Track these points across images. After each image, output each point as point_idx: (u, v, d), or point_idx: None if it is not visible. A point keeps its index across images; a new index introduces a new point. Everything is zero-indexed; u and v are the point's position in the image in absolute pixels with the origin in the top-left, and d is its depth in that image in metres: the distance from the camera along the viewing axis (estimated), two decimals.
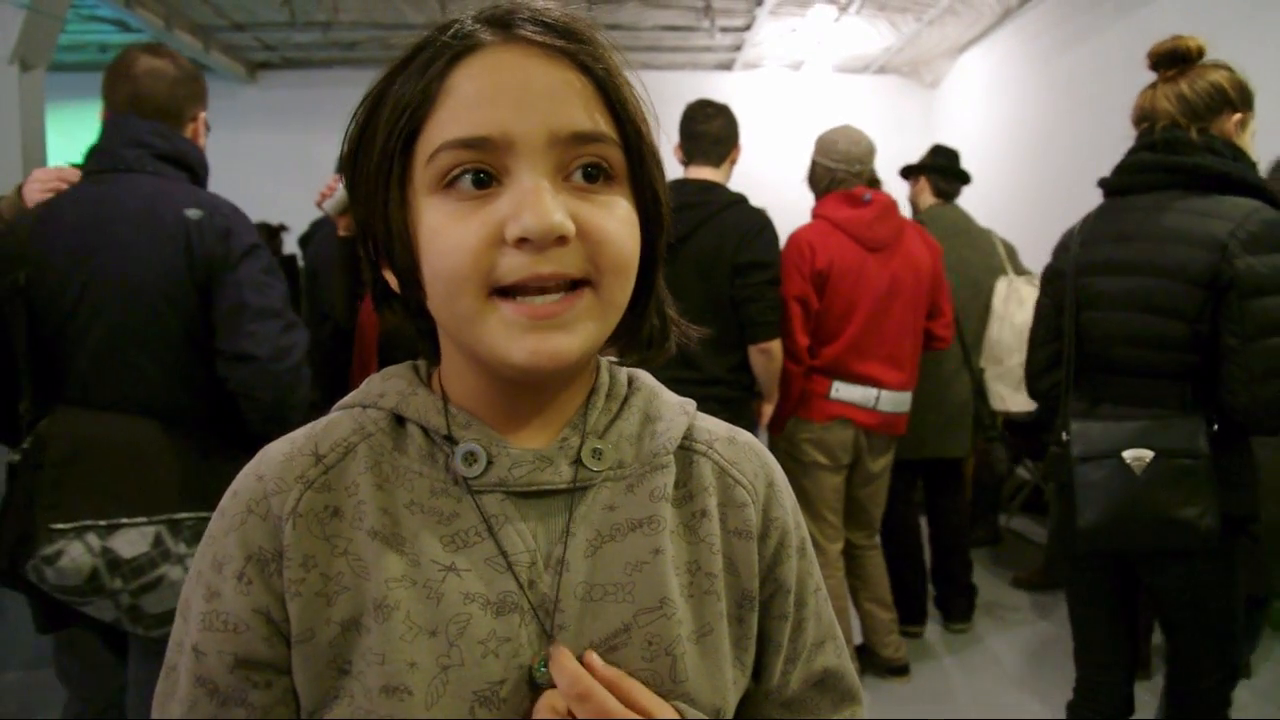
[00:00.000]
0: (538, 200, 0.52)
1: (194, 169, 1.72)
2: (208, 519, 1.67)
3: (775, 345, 2.44)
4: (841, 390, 2.63)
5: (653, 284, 0.63)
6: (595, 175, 0.56)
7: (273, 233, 5.07)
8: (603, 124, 0.56)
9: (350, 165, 0.60)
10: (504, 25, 0.56)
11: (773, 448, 2.69)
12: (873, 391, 2.64)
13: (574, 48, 0.56)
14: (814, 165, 2.80)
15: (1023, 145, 5.50)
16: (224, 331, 1.60)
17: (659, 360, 0.67)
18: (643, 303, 0.63)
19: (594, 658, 0.57)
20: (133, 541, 1.50)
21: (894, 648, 2.91)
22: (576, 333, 0.55)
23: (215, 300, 1.60)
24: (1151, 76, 1.96)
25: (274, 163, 6.12)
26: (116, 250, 1.57)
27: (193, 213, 1.60)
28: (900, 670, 2.93)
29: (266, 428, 1.65)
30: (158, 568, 1.52)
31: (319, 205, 2.19)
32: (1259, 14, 3.48)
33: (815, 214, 2.72)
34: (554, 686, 0.56)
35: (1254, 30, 3.50)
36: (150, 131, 1.67)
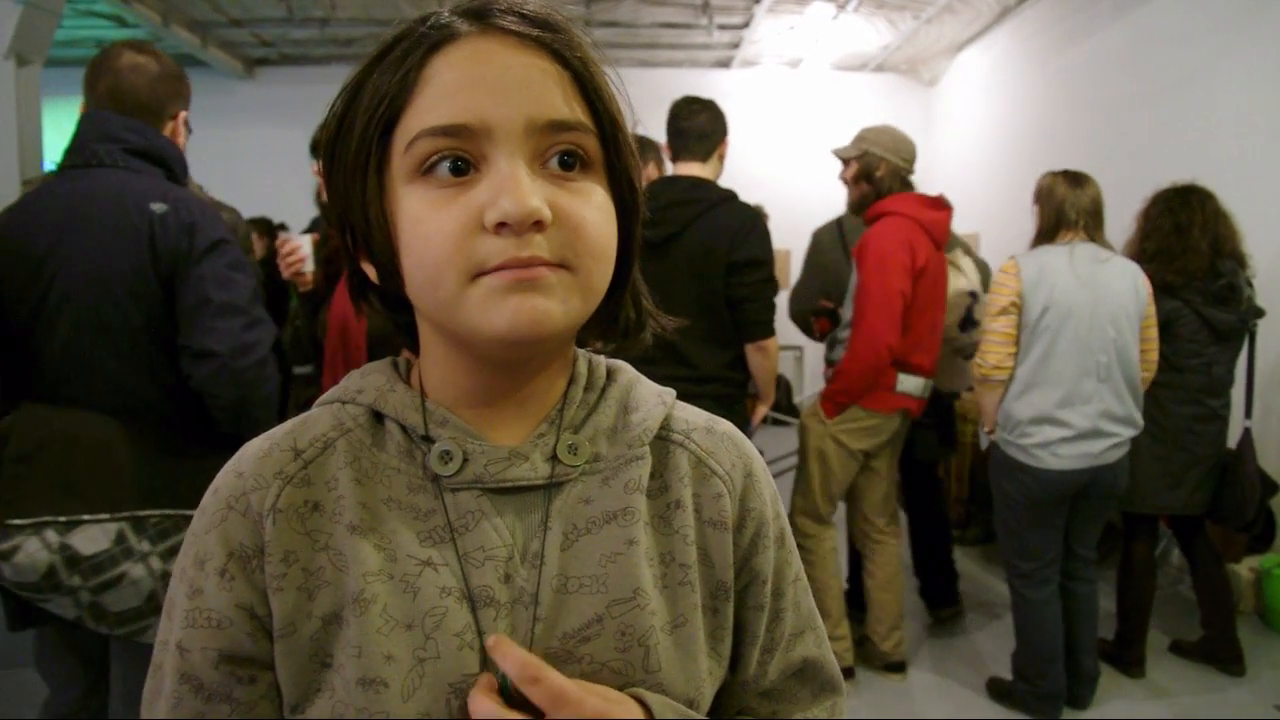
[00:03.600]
0: (515, 186, 0.53)
1: (170, 166, 1.70)
2: (174, 516, 1.55)
3: (771, 343, 2.46)
4: (906, 382, 2.71)
5: (629, 272, 0.64)
6: (571, 163, 0.56)
7: (272, 230, 5.06)
8: (579, 113, 0.56)
9: (328, 155, 0.60)
10: (481, 16, 0.56)
11: (810, 427, 2.78)
12: (921, 381, 2.74)
13: (550, 37, 0.56)
14: (879, 160, 2.78)
15: (1020, 143, 5.50)
16: (186, 327, 1.58)
17: (635, 350, 0.68)
18: (619, 291, 0.63)
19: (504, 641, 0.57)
20: (94, 538, 1.48)
21: (894, 643, 2.92)
22: (557, 299, 0.54)
23: (179, 295, 1.59)
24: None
25: (271, 159, 6.10)
26: (82, 244, 1.56)
27: (158, 206, 1.58)
28: (896, 668, 2.94)
29: (234, 426, 1.63)
30: (118, 565, 1.49)
31: (288, 276, 2.18)
32: (1256, 13, 3.48)
33: (892, 210, 2.71)
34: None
35: (1251, 30, 3.50)
36: (124, 127, 1.66)
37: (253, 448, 0.62)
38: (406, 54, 0.56)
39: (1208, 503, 2.80)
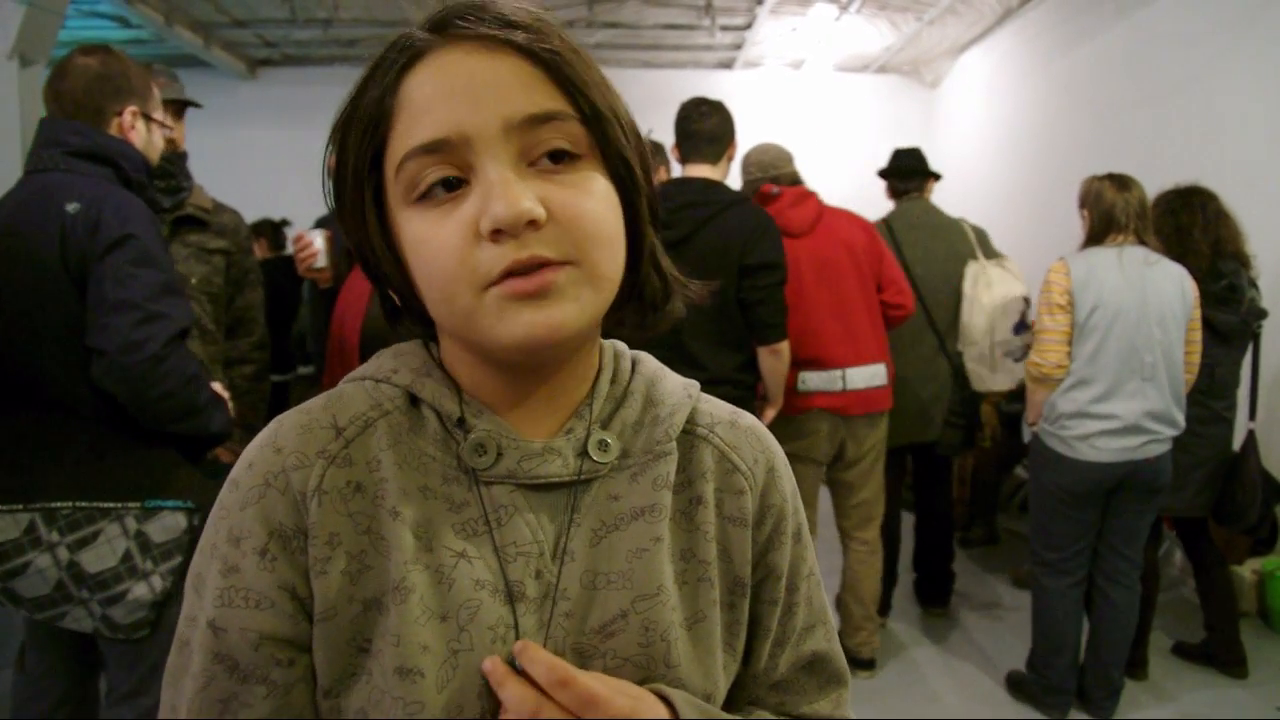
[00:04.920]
0: (504, 190, 0.53)
1: (118, 164, 1.71)
2: (86, 509, 1.62)
3: (784, 346, 2.47)
4: (809, 380, 2.70)
5: (643, 247, 0.64)
6: (561, 155, 0.56)
7: (275, 228, 5.07)
8: (554, 103, 0.56)
9: (336, 191, 0.61)
10: (442, 27, 0.57)
11: None
12: (837, 373, 2.70)
13: (515, 35, 0.56)
14: (743, 185, 2.92)
15: (1022, 144, 5.50)
16: (88, 326, 1.59)
17: (667, 323, 0.68)
18: (638, 266, 0.63)
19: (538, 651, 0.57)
20: (3, 528, 1.54)
21: (860, 642, 2.95)
22: (569, 303, 0.55)
23: (87, 294, 1.60)
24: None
25: (274, 159, 6.10)
26: (11, 250, 1.61)
27: (71, 206, 1.60)
28: (865, 664, 2.96)
29: (149, 424, 1.63)
30: (24, 554, 1.54)
31: (303, 274, 2.19)
32: (1258, 16, 3.48)
33: None
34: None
35: (1253, 32, 3.50)
36: (67, 130, 1.68)
37: (289, 421, 0.61)
38: (382, 78, 0.57)
39: (1211, 505, 2.80)
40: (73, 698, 1.81)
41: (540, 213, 0.53)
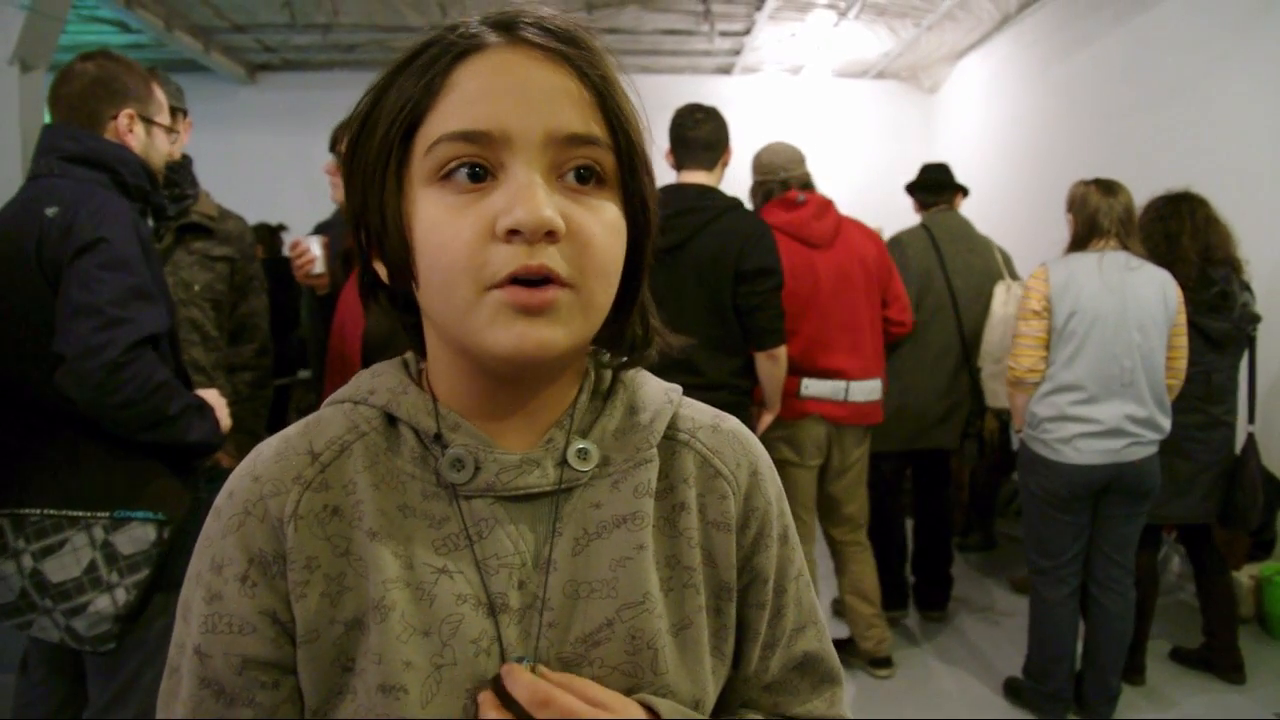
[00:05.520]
0: (531, 195, 0.53)
1: (114, 169, 1.69)
2: (55, 517, 1.60)
3: (782, 351, 2.48)
4: (811, 386, 2.71)
5: (637, 289, 0.64)
6: (587, 177, 0.57)
7: (272, 232, 5.07)
8: (597, 128, 0.57)
9: (350, 153, 0.61)
10: (508, 28, 0.58)
11: None
12: (841, 384, 2.72)
13: (574, 53, 0.57)
14: (752, 185, 2.94)
15: (1021, 150, 5.51)
16: (55, 331, 1.55)
17: (641, 365, 0.68)
18: (626, 307, 0.64)
19: (543, 670, 0.58)
20: None
21: (876, 641, 2.95)
22: (561, 326, 0.55)
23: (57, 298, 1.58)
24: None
25: (273, 164, 6.12)
26: (2, 256, 1.60)
27: (50, 211, 1.57)
28: (882, 662, 2.97)
29: (116, 430, 1.58)
30: None
31: (300, 280, 2.19)
32: (1256, 20, 3.49)
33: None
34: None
35: (1251, 37, 3.51)
36: (63, 135, 1.68)
37: (267, 450, 0.62)
38: (434, 60, 0.57)
39: (1217, 511, 2.81)
40: (74, 703, 1.80)
41: (560, 225, 0.54)
